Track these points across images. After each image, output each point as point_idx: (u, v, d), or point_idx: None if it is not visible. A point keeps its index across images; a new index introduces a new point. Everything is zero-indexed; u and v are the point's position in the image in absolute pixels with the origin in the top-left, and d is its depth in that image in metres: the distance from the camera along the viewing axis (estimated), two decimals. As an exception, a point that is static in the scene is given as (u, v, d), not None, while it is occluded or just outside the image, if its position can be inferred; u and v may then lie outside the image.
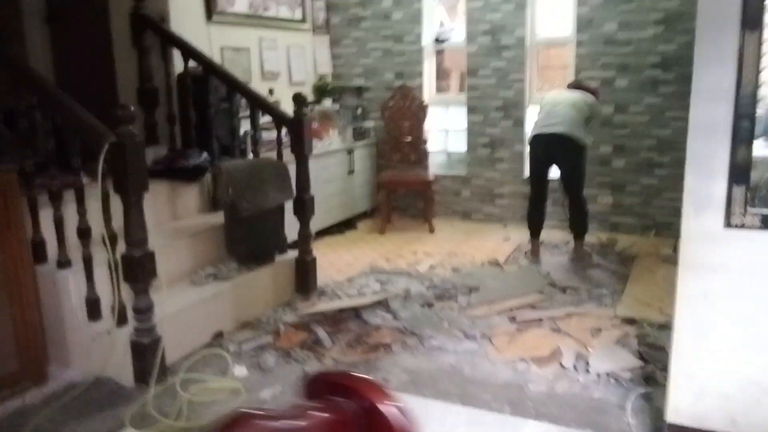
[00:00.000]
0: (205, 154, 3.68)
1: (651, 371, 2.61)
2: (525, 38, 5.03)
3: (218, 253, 3.41)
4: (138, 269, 2.47)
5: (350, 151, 5.31)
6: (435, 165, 5.59)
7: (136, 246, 2.47)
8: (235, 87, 3.68)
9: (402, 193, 5.60)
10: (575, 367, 2.70)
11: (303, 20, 5.24)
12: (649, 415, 2.32)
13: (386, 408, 0.97)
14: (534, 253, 4.33)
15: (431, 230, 5.15)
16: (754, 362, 1.96)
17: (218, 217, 3.52)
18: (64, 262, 2.64)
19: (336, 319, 3.21)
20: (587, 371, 2.66)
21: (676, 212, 5.15)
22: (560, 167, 4.13)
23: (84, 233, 2.56)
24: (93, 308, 2.63)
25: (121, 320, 2.62)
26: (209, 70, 3.73)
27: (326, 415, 0.98)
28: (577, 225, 4.21)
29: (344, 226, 5.29)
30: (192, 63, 3.72)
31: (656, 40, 4.61)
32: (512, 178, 5.28)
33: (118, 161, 2.36)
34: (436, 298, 3.52)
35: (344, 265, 4.30)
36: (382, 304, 3.36)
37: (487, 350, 2.91)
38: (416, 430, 1.03)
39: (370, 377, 1.00)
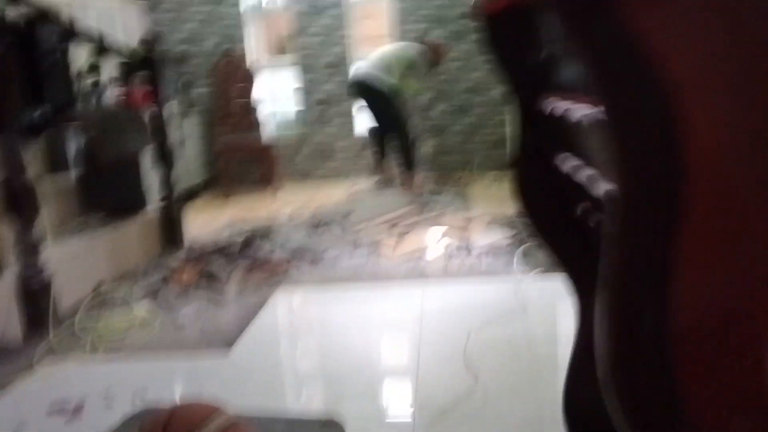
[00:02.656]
0: (39, 111, 3.33)
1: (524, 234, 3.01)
2: (344, -4, 5.33)
3: (78, 209, 3.15)
4: (22, 199, 2.23)
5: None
6: (269, 128, 5.63)
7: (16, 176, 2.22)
8: (72, 32, 3.38)
9: (237, 161, 5.50)
10: (463, 249, 3.03)
11: (113, -16, 4.93)
12: (534, 260, 2.72)
13: None
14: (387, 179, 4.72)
15: (276, 191, 5.20)
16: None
17: (66, 177, 3.24)
18: None
19: (226, 254, 3.17)
20: (472, 250, 3.01)
21: (493, 145, 5.79)
22: (371, 110, 4.51)
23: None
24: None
25: (-1, 268, 2.33)
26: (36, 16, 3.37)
27: None
28: (404, 161, 4.55)
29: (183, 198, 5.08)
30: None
31: (462, -7, 5.20)
32: (347, 133, 5.55)
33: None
34: (314, 227, 3.64)
35: (202, 225, 4.18)
36: (268, 237, 3.39)
37: (380, 252, 3.12)
38: None
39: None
